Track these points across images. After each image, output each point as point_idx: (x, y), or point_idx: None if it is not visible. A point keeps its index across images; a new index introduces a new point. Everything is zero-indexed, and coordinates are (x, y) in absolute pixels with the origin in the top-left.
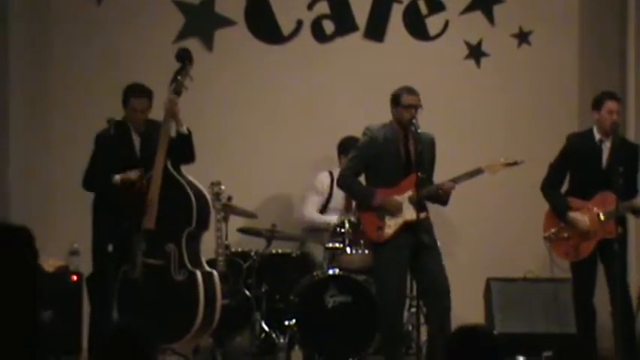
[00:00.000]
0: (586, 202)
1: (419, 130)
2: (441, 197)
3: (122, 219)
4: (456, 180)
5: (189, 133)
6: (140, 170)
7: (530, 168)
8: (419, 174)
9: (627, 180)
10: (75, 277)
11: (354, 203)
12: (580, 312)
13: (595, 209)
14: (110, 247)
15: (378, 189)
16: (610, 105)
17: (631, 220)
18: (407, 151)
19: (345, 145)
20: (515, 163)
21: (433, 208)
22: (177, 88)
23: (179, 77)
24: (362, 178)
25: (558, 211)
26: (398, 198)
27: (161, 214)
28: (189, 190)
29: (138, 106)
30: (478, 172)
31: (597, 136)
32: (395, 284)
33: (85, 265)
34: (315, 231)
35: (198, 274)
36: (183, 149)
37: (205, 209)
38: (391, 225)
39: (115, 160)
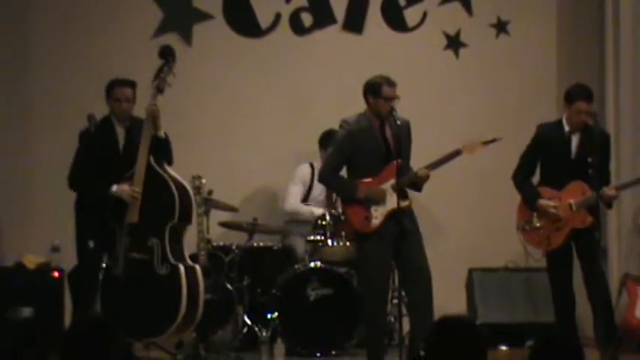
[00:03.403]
0: (557, 191)
1: (398, 121)
2: (417, 184)
3: (105, 215)
4: (432, 166)
5: (166, 137)
6: (133, 190)
7: (509, 158)
8: (399, 162)
9: (599, 169)
10: (56, 274)
11: (334, 195)
12: (557, 301)
13: (566, 199)
14: (91, 243)
15: (360, 180)
16: (580, 105)
17: (610, 213)
18: (385, 140)
19: (326, 139)
20: (493, 141)
21: (415, 200)
22: (160, 85)
23: (162, 74)
24: (343, 171)
25: (528, 200)
26: (382, 187)
27: (144, 208)
28: (172, 185)
29: (122, 95)
30: (457, 153)
31: (566, 127)
32: (380, 275)
33: (66, 261)
34: (297, 224)
35: (181, 268)
36: (161, 152)
37: (188, 203)
38: (378, 215)
39: (98, 155)
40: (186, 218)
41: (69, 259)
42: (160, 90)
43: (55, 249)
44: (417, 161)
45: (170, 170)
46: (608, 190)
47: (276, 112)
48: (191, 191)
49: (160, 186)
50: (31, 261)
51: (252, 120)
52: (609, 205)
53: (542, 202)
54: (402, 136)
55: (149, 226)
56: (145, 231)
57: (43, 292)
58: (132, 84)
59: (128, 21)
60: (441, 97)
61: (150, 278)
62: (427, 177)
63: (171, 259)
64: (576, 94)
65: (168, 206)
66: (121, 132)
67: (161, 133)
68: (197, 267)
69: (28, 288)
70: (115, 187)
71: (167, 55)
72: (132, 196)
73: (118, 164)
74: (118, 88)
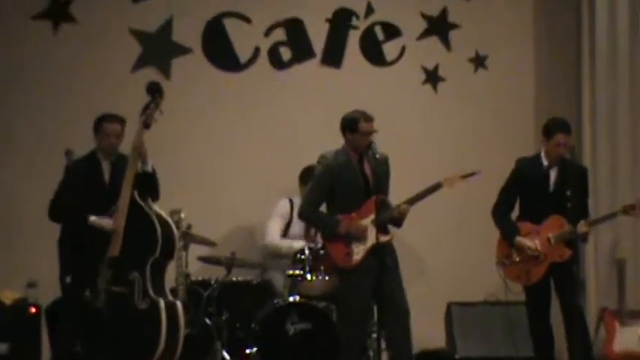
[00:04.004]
0: (536, 226)
1: (377, 155)
2: (397, 220)
3: (85, 250)
4: (412, 200)
5: (154, 171)
6: (113, 221)
7: (488, 192)
8: (379, 197)
9: (577, 203)
10: (33, 309)
11: (312, 230)
12: (536, 336)
13: (545, 233)
14: (68, 279)
15: (340, 215)
16: (559, 137)
17: (588, 247)
18: (363, 175)
19: (306, 175)
20: (472, 174)
21: (395, 234)
22: (146, 121)
23: (149, 110)
24: (323, 206)
25: (506, 236)
26: (362, 222)
27: (126, 243)
28: (154, 220)
29: (111, 130)
30: (437, 187)
31: (545, 161)
32: (361, 309)
33: (43, 297)
34: (276, 258)
35: (161, 303)
36: (147, 186)
37: (171, 239)
38: (359, 251)
39: (83, 189)
40: (168, 254)
41: (46, 295)
42: (146, 125)
43: (32, 285)
44: (396, 195)
45: (154, 206)
46: (580, 227)
47: (254, 147)
48: (175, 228)
49: (143, 221)
50: (7, 296)
51: (230, 154)
52: (584, 239)
53: (520, 239)
54: (381, 171)
55: (130, 260)
56: (126, 265)
57: (19, 328)
58: (121, 120)
59: (107, 55)
60: (419, 131)
61: (130, 312)
62: (406, 212)
63: (152, 294)
64: (555, 127)
65: (150, 241)
66: (106, 167)
67: (148, 168)
68: (178, 303)
69: (5, 324)
70: (92, 218)
71: (154, 91)
72: (112, 230)
73: (103, 199)
74: (107, 124)
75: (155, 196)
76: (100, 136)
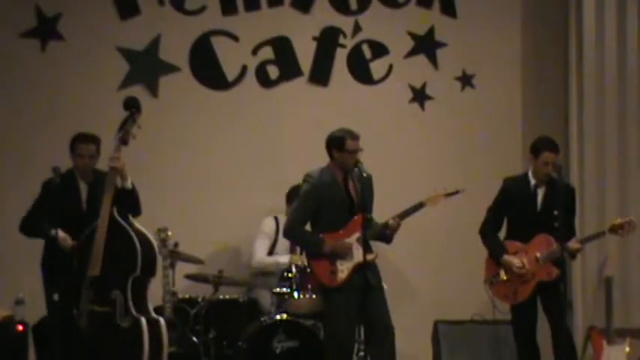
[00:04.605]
0: (524, 245)
1: (364, 174)
2: (387, 236)
3: (71, 267)
4: (399, 217)
5: (133, 187)
6: (74, 242)
7: (475, 210)
8: (364, 215)
9: (564, 222)
10: (21, 327)
11: (298, 248)
12: (522, 355)
13: (532, 252)
14: (56, 296)
15: (326, 234)
16: (546, 156)
17: (575, 265)
18: (348, 193)
19: (293, 195)
20: (455, 193)
21: (381, 253)
22: (124, 137)
23: (126, 126)
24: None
25: (494, 255)
26: (347, 241)
27: (106, 261)
28: (134, 237)
29: (85, 151)
30: (420, 205)
31: (532, 180)
32: (346, 328)
33: (31, 314)
34: (263, 276)
35: (143, 321)
36: (128, 202)
37: (151, 256)
38: (344, 269)
39: (60, 209)
40: (149, 271)
41: (33, 312)
42: (123, 142)
43: (19, 302)
44: (382, 213)
45: (135, 223)
46: (572, 244)
47: (242, 165)
48: (155, 244)
49: (123, 239)
50: None
51: (218, 172)
52: (573, 256)
53: (507, 258)
54: (366, 189)
55: (111, 278)
56: (107, 284)
57: (7, 346)
58: (95, 140)
59: (94, 73)
60: (406, 149)
61: (112, 331)
62: (398, 227)
63: (134, 312)
64: (542, 146)
65: (131, 259)
66: (83, 187)
67: (127, 184)
68: (161, 320)
69: None
70: (54, 231)
71: (131, 106)
72: (70, 245)
73: (81, 219)
74: (81, 144)
75: (136, 212)
76: (75, 157)
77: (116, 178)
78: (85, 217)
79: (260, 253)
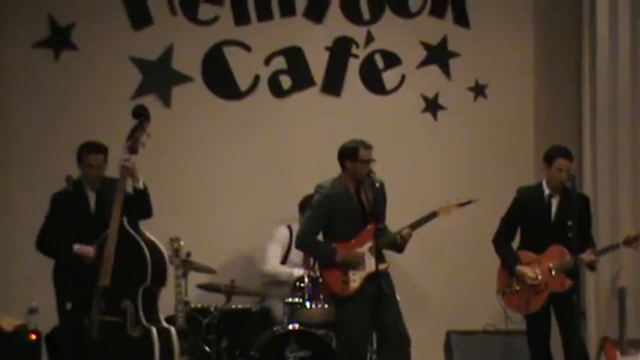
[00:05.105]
0: (537, 255)
1: (377, 184)
2: (399, 245)
3: (82, 277)
4: (412, 226)
5: (145, 188)
6: (94, 249)
7: (488, 221)
8: (377, 224)
9: (579, 232)
10: (34, 336)
11: (311, 258)
12: None
13: (546, 262)
14: (69, 305)
15: (338, 244)
16: (560, 162)
17: (589, 276)
18: (361, 203)
19: (306, 204)
20: (468, 202)
21: (393, 262)
22: (133, 145)
23: (135, 134)
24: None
25: (507, 265)
26: (359, 250)
27: (117, 271)
28: (144, 247)
29: (93, 161)
30: (433, 215)
31: (547, 190)
32: (358, 337)
33: (44, 323)
34: (275, 285)
35: (154, 330)
36: (140, 204)
37: (161, 265)
38: (356, 279)
39: (70, 219)
40: (159, 281)
41: (47, 321)
42: (133, 150)
43: (33, 311)
44: (394, 222)
45: (145, 232)
46: (587, 256)
47: (254, 175)
48: (166, 253)
49: (133, 249)
50: (8, 323)
51: (230, 182)
52: (592, 268)
53: (521, 268)
54: (379, 198)
55: (122, 288)
56: (117, 294)
57: (20, 355)
58: (103, 149)
59: (108, 83)
60: (419, 159)
61: (123, 341)
62: (410, 237)
63: (144, 322)
64: (556, 153)
65: (141, 269)
66: (92, 196)
67: (139, 184)
68: (172, 329)
69: (6, 351)
70: (77, 247)
71: (140, 114)
72: (92, 257)
73: (90, 228)
74: (88, 155)
75: (148, 214)
76: (83, 166)
77: (127, 179)
78: (95, 225)
79: (273, 260)
